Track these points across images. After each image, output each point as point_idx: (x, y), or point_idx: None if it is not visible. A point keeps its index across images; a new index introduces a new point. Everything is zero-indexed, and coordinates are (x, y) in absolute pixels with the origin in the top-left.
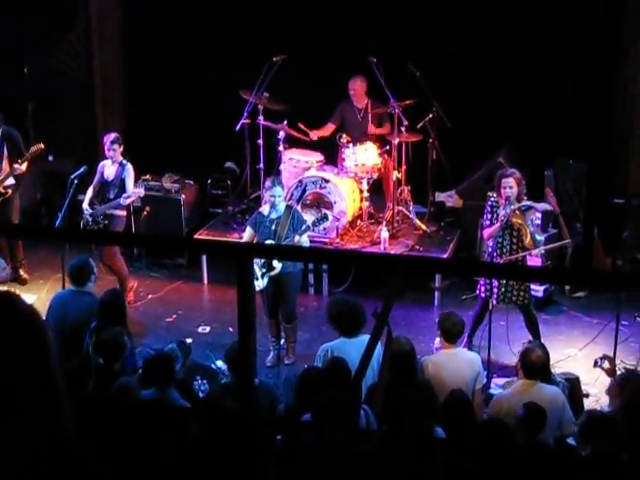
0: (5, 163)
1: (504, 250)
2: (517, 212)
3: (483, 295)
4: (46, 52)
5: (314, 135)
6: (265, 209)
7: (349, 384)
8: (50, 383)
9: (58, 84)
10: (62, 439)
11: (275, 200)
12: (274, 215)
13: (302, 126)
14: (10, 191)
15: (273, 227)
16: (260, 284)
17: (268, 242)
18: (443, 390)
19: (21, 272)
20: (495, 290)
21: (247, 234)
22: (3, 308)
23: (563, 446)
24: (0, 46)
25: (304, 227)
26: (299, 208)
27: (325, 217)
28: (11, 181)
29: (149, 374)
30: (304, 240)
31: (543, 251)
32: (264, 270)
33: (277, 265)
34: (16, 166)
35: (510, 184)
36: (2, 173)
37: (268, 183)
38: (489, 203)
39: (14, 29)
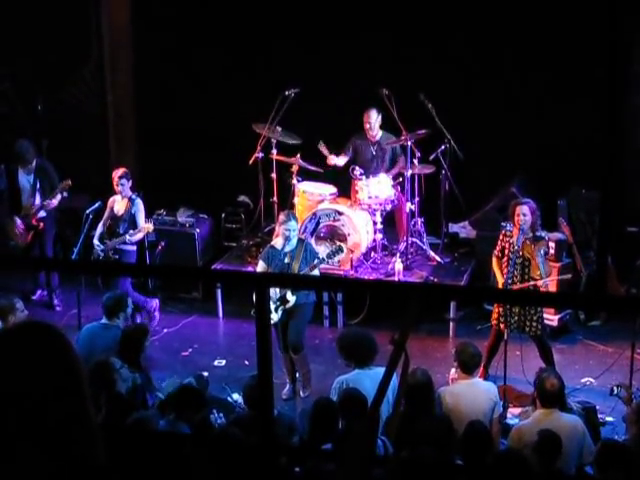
0: (38, 196)
1: (515, 280)
2: (527, 242)
3: (496, 325)
4: (60, 88)
5: (331, 160)
6: (277, 242)
7: (366, 413)
8: (81, 411)
9: (72, 120)
10: (92, 466)
11: (290, 234)
12: (287, 248)
13: (324, 149)
14: (42, 224)
15: (287, 260)
16: (274, 317)
17: None
18: (461, 420)
19: (55, 301)
20: (508, 320)
21: (259, 268)
22: (38, 337)
23: (582, 475)
24: (14, 82)
25: (317, 261)
26: (313, 241)
27: (340, 249)
28: (43, 214)
29: (180, 404)
30: (315, 274)
31: (548, 283)
32: (278, 303)
33: (291, 299)
34: (47, 201)
35: (524, 212)
36: (35, 207)
37: (282, 217)
38: (502, 232)
39: (28, 65)
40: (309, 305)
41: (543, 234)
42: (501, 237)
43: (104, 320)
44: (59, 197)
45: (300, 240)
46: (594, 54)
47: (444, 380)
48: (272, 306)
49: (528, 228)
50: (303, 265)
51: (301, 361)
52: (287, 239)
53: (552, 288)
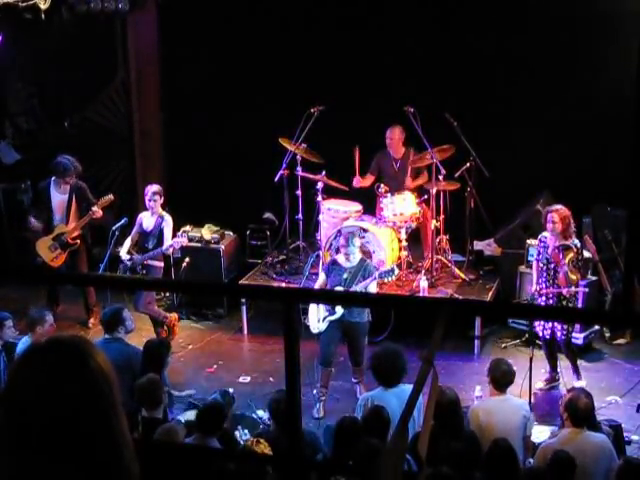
0: (73, 215)
1: (547, 284)
2: (556, 250)
3: (548, 337)
4: (86, 106)
5: (357, 182)
6: (340, 259)
7: (395, 430)
8: (112, 427)
9: (98, 137)
10: None
11: (350, 257)
12: (348, 265)
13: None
14: (79, 242)
15: (345, 275)
16: (320, 327)
17: (338, 289)
18: (493, 436)
19: (91, 320)
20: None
21: (320, 279)
22: (66, 353)
23: None
24: (41, 100)
25: (371, 278)
26: (339, 257)
27: (392, 271)
28: (77, 232)
29: (201, 421)
30: (371, 288)
31: (572, 291)
32: (327, 314)
33: (339, 311)
34: (94, 209)
35: (554, 219)
36: (71, 224)
37: (342, 241)
38: (540, 239)
39: (54, 83)
40: (365, 324)
41: (575, 242)
42: (537, 242)
43: (106, 335)
44: (100, 212)
45: (362, 260)
46: (620, 70)
47: (468, 397)
48: (321, 315)
49: (558, 234)
50: (360, 281)
51: (360, 371)
52: (348, 260)
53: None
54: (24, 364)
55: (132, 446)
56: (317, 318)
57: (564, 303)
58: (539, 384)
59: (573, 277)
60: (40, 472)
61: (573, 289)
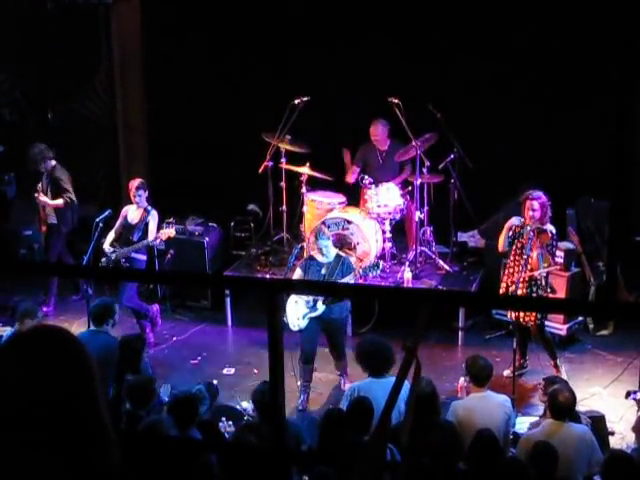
0: (46, 197)
1: (517, 269)
2: (532, 233)
3: (514, 319)
4: (70, 98)
5: (350, 177)
6: (316, 254)
7: (378, 421)
8: (96, 416)
9: (81, 129)
10: (106, 469)
11: (324, 250)
12: (325, 260)
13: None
14: (45, 228)
15: (323, 271)
16: (300, 324)
17: None
18: (474, 433)
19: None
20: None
21: (296, 276)
22: (52, 342)
23: None
24: (24, 92)
25: (351, 274)
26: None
27: (377, 266)
28: (53, 220)
29: (173, 414)
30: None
31: (544, 274)
32: (307, 311)
33: (320, 307)
34: (36, 195)
35: (534, 207)
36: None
37: (312, 238)
38: (515, 223)
39: (38, 75)
40: (344, 320)
41: (550, 228)
42: (509, 225)
43: (92, 327)
44: (55, 202)
45: (338, 255)
46: (603, 64)
47: (452, 388)
48: (301, 312)
49: (536, 221)
50: (338, 277)
51: (343, 365)
52: (323, 254)
53: (561, 294)
54: (10, 349)
55: (115, 438)
56: (296, 316)
57: (534, 289)
58: (506, 372)
59: (545, 263)
60: (26, 455)
61: (543, 272)
